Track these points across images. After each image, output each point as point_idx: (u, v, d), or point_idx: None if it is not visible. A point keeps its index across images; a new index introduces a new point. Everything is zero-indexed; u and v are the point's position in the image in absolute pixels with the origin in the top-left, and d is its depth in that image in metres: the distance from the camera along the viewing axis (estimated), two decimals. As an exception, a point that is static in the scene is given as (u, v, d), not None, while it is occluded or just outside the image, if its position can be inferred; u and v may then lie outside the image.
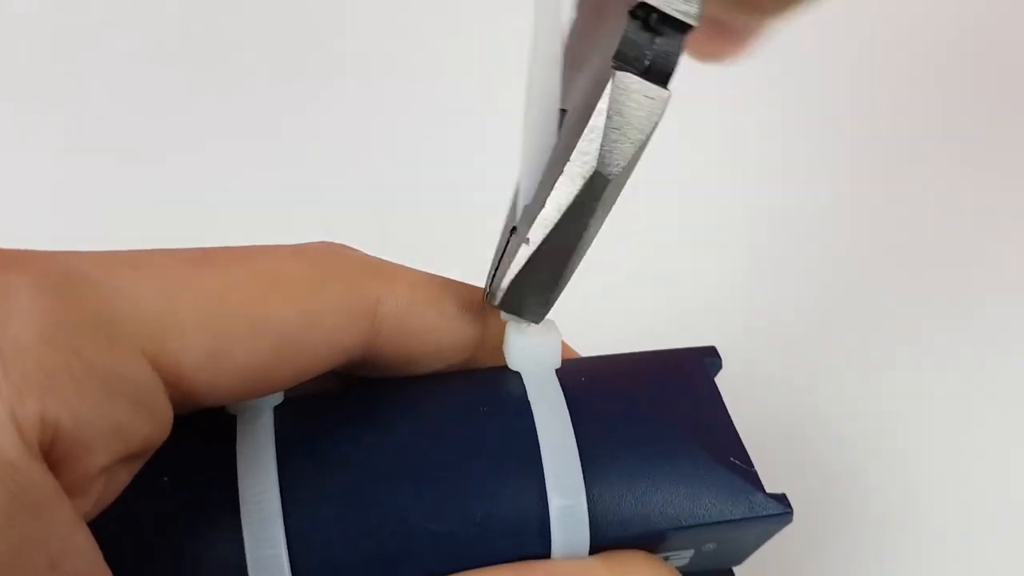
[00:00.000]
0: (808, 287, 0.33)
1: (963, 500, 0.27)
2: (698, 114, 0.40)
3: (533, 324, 0.20)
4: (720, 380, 0.21)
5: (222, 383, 0.16)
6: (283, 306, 0.17)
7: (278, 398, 0.19)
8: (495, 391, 0.19)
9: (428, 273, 0.20)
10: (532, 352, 0.19)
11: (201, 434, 0.18)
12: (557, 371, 0.20)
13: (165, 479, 0.17)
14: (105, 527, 0.15)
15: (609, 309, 0.32)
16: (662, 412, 0.20)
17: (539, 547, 0.18)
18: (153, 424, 0.15)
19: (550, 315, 0.20)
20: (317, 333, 0.17)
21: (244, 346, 0.16)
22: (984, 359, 0.31)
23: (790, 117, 0.40)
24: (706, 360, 0.21)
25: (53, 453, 0.14)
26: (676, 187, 0.37)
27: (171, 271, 0.16)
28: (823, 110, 0.41)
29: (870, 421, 0.29)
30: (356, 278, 0.18)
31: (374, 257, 0.19)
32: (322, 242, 0.19)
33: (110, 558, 0.16)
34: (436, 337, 0.19)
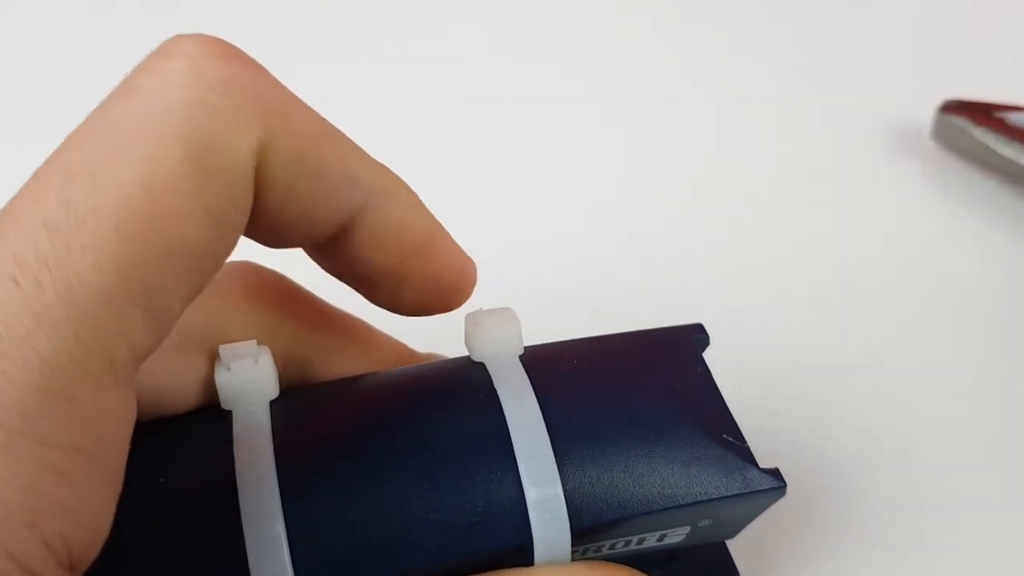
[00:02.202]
0: (794, 263, 0.33)
1: (961, 468, 0.27)
2: (683, 104, 0.40)
3: (489, 315, 0.20)
4: (707, 356, 0.21)
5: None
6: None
7: (273, 392, 0.19)
8: (466, 383, 0.19)
9: (312, 122, 0.16)
10: (491, 343, 0.20)
11: (196, 432, 0.18)
12: (538, 356, 0.20)
13: (162, 479, 0.17)
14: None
15: (592, 292, 0.32)
16: (652, 390, 0.20)
17: (525, 536, 0.18)
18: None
19: (512, 304, 0.20)
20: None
21: (176, 302, 0.14)
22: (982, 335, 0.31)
23: (776, 103, 0.41)
24: (694, 337, 0.21)
25: (75, 554, 0.14)
26: (655, 168, 0.37)
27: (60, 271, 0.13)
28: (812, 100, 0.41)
29: (861, 395, 0.29)
30: (230, 140, 0.14)
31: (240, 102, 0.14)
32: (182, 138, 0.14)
33: (109, 560, 0.16)
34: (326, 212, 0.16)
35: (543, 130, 0.39)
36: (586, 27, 0.44)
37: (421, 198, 0.18)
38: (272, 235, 0.17)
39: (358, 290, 0.19)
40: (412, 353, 0.22)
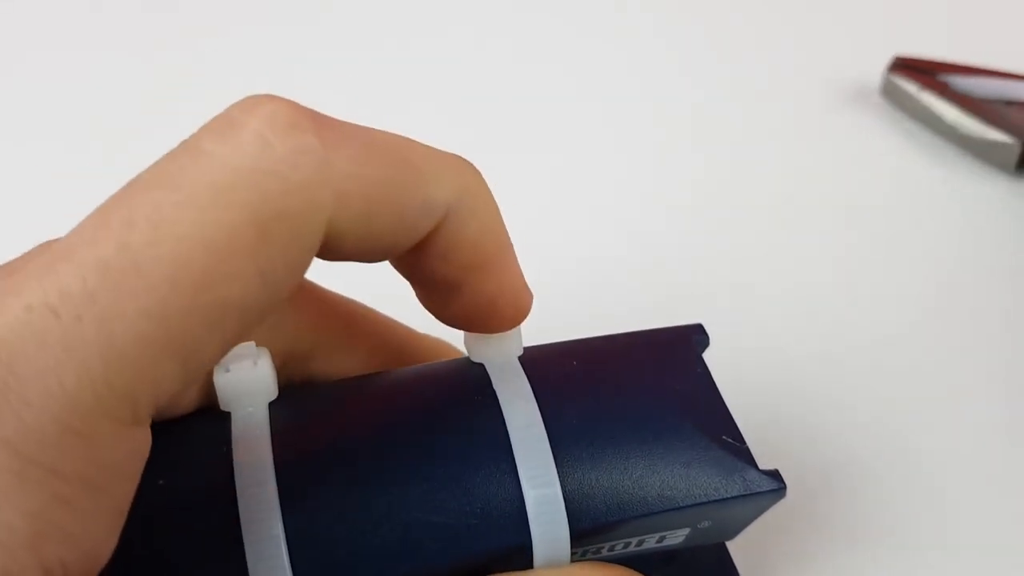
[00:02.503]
0: (795, 262, 0.33)
1: (963, 467, 0.27)
2: (677, 101, 0.40)
3: None
4: (707, 357, 0.21)
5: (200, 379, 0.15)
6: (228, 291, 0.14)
7: (272, 393, 0.19)
8: (466, 385, 0.19)
9: (385, 163, 0.16)
10: (491, 344, 0.20)
11: (195, 434, 0.18)
12: (538, 357, 0.20)
13: (161, 482, 0.17)
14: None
15: (591, 293, 0.32)
16: (652, 392, 0.20)
17: (524, 538, 0.18)
18: (141, 456, 0.15)
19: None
20: (274, 296, 0.15)
21: (210, 355, 0.15)
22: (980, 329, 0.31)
23: (774, 101, 0.41)
24: (693, 338, 0.21)
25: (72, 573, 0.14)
26: (653, 167, 0.37)
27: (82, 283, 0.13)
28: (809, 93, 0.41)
29: (863, 395, 0.29)
30: (299, 210, 0.14)
31: (314, 155, 0.15)
32: (245, 163, 0.14)
33: (108, 563, 0.16)
34: (389, 240, 0.16)
35: (543, 130, 0.39)
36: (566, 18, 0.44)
37: (498, 208, 0.18)
38: (342, 259, 0.17)
39: (411, 285, 0.19)
40: (416, 337, 0.22)
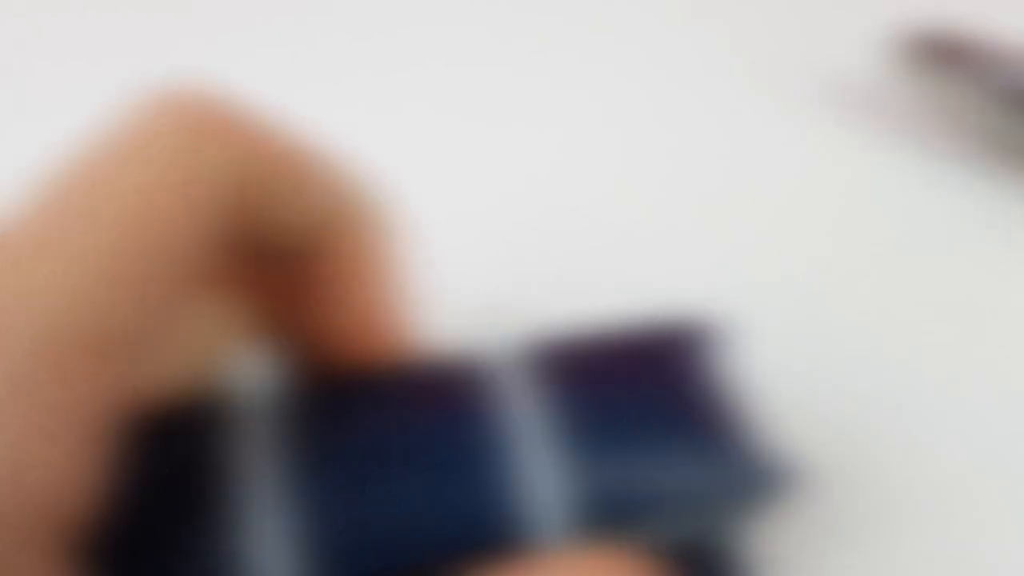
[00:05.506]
0: (810, 248, 0.33)
1: (973, 464, 0.27)
2: (690, 88, 0.40)
3: (491, 309, 0.20)
4: (709, 351, 0.21)
5: None
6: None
7: (277, 386, 0.19)
8: (467, 378, 0.19)
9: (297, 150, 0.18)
10: (493, 337, 0.20)
11: (199, 424, 0.18)
12: (539, 350, 0.20)
13: (165, 471, 0.17)
14: (100, 527, 0.15)
15: (596, 287, 0.32)
16: (655, 385, 0.20)
17: (524, 533, 0.18)
18: None
19: (514, 298, 0.20)
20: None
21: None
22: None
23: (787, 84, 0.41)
24: (699, 332, 0.21)
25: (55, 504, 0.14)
26: (668, 144, 0.37)
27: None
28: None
29: (869, 389, 0.29)
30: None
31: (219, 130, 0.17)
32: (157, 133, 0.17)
33: (108, 551, 0.16)
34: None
35: (538, 129, 0.39)
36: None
37: (393, 219, 0.20)
38: (254, 248, 0.18)
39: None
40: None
